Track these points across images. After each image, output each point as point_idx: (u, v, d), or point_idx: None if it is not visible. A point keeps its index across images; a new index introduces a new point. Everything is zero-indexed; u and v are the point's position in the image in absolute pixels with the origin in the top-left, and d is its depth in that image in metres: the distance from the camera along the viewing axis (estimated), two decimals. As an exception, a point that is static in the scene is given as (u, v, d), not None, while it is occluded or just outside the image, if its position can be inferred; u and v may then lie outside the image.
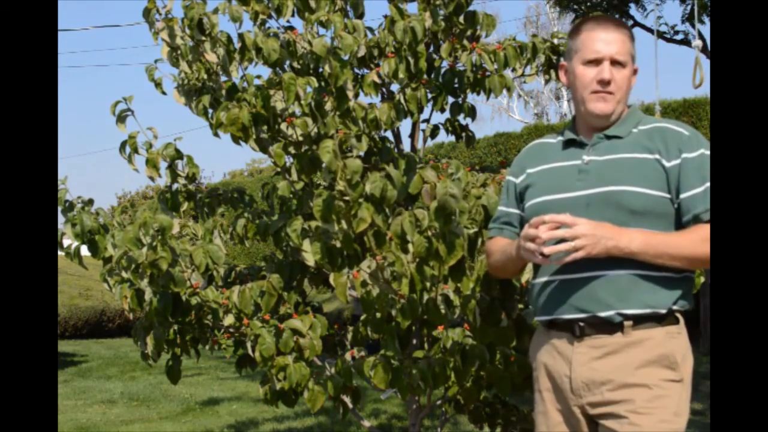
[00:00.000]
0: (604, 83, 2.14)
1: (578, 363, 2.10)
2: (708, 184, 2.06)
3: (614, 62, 2.14)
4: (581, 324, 2.10)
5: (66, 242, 3.09)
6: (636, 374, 2.04)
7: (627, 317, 2.05)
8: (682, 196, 2.08)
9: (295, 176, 3.25)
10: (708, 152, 2.10)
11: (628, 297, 2.05)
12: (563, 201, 2.14)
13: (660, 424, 2.00)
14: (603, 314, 2.06)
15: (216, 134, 3.19)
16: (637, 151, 2.12)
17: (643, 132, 2.16)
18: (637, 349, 2.05)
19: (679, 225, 2.10)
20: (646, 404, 2.01)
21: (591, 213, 2.08)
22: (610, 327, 2.07)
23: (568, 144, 2.24)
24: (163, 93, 3.45)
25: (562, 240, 2.01)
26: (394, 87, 3.27)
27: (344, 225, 2.66)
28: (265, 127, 3.11)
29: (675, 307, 2.08)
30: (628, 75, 2.17)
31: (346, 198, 2.60)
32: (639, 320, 2.05)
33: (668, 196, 2.09)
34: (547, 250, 2.01)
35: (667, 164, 2.09)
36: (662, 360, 2.04)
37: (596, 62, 2.15)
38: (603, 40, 2.15)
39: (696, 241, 2.03)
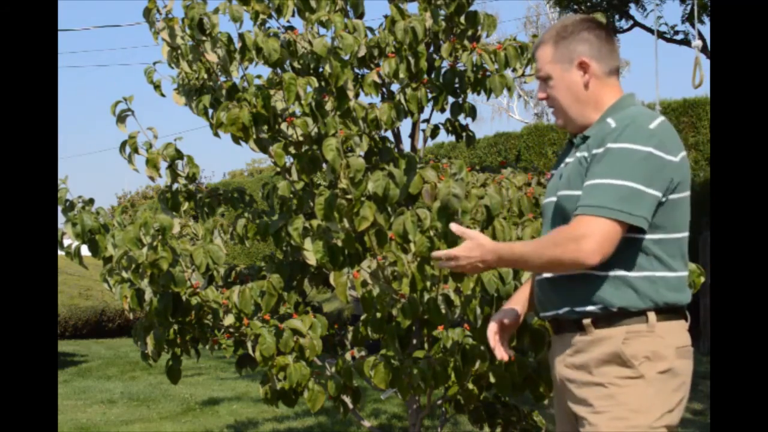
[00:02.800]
0: (543, 101, 2.24)
1: (557, 360, 2.16)
2: (596, 181, 2.00)
3: (542, 79, 2.21)
4: (556, 322, 2.16)
5: (66, 242, 3.09)
6: (595, 373, 2.05)
7: (583, 315, 2.07)
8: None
9: (295, 176, 3.25)
10: (619, 146, 2.00)
11: (582, 295, 2.07)
12: (547, 205, 2.21)
13: (613, 421, 1.99)
14: (561, 311, 2.11)
15: (216, 134, 3.19)
16: (582, 151, 2.12)
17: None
18: (598, 347, 2.06)
19: None
20: (600, 403, 2.02)
21: (554, 217, 2.15)
22: (574, 325, 2.10)
23: (568, 146, 2.27)
24: (162, 95, 3.45)
25: None
26: (395, 87, 3.27)
27: (346, 223, 2.66)
28: (265, 127, 3.11)
29: (636, 306, 2.04)
30: (559, 82, 2.17)
31: (349, 196, 2.60)
32: (598, 319, 2.06)
33: None
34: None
35: (588, 161, 2.07)
36: (615, 358, 2.03)
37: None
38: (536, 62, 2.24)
39: (541, 247, 2.04)
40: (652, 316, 2.07)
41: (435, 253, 2.17)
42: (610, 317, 2.05)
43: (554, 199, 2.16)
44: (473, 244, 2.10)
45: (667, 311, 2.08)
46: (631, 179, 1.97)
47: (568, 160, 2.19)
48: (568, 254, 1.98)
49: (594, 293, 2.05)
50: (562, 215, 2.11)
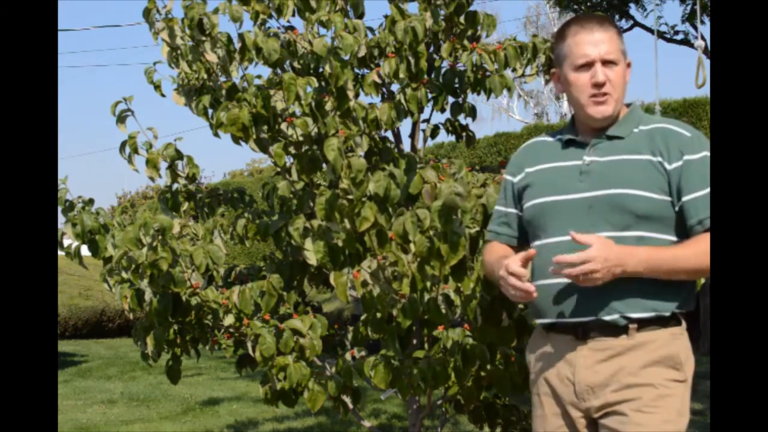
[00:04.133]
0: (600, 85, 2.11)
1: (582, 366, 2.09)
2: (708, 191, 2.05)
3: (606, 62, 2.11)
4: (585, 327, 2.08)
5: (66, 242, 3.10)
6: (641, 374, 2.03)
7: (632, 320, 2.04)
8: (684, 199, 2.05)
9: (295, 176, 3.25)
10: (708, 154, 2.08)
11: (633, 301, 2.04)
12: (564, 202, 2.12)
13: (664, 424, 2.00)
14: (608, 318, 2.05)
15: (216, 134, 3.19)
16: (640, 152, 2.10)
17: (645, 132, 2.13)
18: (641, 350, 2.05)
19: (680, 228, 2.09)
20: (651, 403, 2.01)
21: (594, 215, 2.07)
22: (614, 330, 2.06)
23: (568, 144, 2.21)
24: (163, 95, 3.45)
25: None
26: (395, 87, 3.27)
27: (347, 224, 2.66)
28: (265, 127, 3.11)
29: (678, 310, 2.08)
30: (622, 72, 2.14)
31: (350, 197, 2.60)
32: (643, 323, 2.05)
33: (669, 199, 2.07)
34: (566, 271, 1.98)
35: (668, 167, 2.07)
36: (667, 360, 2.04)
37: (588, 66, 2.12)
38: (590, 42, 2.11)
39: (701, 254, 2.01)
40: (682, 318, 2.11)
41: (566, 258, 1.96)
42: (657, 321, 2.06)
43: (587, 194, 2.08)
44: (601, 243, 1.97)
45: (687, 313, 2.13)
46: None
47: (591, 158, 2.13)
48: None
49: (649, 297, 2.04)
50: (621, 214, 2.05)
